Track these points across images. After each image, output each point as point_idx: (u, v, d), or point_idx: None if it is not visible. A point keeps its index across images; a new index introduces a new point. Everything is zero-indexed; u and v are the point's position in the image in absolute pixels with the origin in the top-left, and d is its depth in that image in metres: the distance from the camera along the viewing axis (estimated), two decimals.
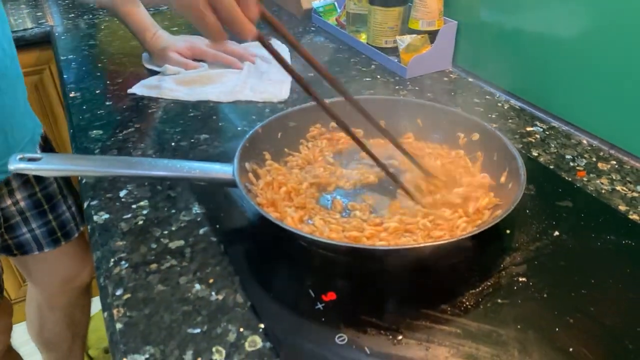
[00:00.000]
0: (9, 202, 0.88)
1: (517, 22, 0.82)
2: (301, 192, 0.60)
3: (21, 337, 1.25)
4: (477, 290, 0.48)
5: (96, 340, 1.46)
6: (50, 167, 0.53)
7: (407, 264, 0.51)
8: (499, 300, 0.47)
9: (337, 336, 0.44)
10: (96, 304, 1.28)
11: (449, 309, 0.47)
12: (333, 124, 0.70)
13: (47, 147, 0.95)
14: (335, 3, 1.19)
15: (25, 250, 0.95)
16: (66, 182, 0.98)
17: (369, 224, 0.54)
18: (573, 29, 0.73)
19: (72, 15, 1.31)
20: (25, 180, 0.89)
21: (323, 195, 0.61)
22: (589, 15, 0.71)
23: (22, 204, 0.90)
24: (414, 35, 0.91)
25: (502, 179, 0.57)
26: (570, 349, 0.43)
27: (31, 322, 1.16)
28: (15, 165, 0.52)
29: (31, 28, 1.23)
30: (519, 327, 0.45)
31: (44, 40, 1.24)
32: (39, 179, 0.91)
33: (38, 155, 0.53)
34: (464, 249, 0.52)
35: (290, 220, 0.54)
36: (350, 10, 1.05)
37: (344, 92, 0.56)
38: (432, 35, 0.93)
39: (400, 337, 0.44)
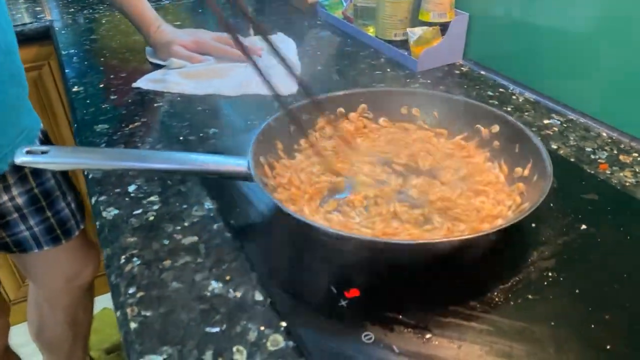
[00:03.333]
0: (5, 198, 0.86)
1: (530, 13, 0.80)
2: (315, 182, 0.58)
3: (21, 337, 1.23)
4: (506, 286, 0.47)
5: (97, 341, 1.43)
6: (58, 160, 0.51)
7: (430, 259, 0.49)
8: (530, 296, 0.45)
9: (363, 334, 0.42)
10: (97, 304, 1.26)
11: (478, 305, 0.45)
12: (341, 109, 0.68)
13: (47, 143, 0.92)
14: None
15: (24, 248, 0.92)
16: (65, 178, 0.96)
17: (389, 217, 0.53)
18: (588, 19, 0.72)
19: (72, 9, 1.28)
20: (21, 175, 0.86)
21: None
22: (604, 6, 0.69)
23: (18, 200, 0.87)
24: (425, 28, 0.89)
25: (526, 172, 0.55)
26: (608, 347, 0.41)
27: (32, 323, 1.13)
28: (22, 158, 0.50)
29: (30, 23, 1.20)
30: (552, 323, 0.43)
31: (44, 36, 1.21)
32: (36, 174, 0.89)
33: (46, 147, 0.50)
34: (489, 242, 0.50)
35: (308, 212, 0.53)
36: (358, 3, 1.03)
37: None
38: (443, 27, 0.91)
39: (429, 336, 0.42)
